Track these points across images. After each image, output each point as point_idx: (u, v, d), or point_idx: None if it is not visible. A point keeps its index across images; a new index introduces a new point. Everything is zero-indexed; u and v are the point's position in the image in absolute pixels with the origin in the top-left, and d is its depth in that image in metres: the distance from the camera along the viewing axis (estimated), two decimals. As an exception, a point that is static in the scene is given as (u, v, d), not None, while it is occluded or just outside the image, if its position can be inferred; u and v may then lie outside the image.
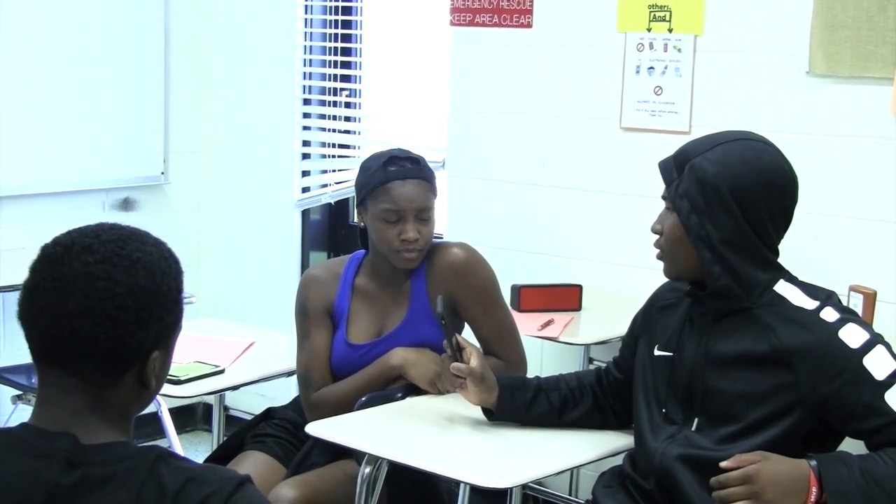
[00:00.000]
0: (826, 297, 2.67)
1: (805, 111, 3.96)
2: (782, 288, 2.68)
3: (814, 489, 2.49)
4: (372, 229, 3.31)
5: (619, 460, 2.98)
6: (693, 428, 2.70)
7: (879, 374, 2.55)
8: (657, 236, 2.79)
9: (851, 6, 3.82)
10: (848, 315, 2.64)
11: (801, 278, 2.75)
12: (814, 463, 2.52)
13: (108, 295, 1.66)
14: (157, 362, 1.73)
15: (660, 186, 4.16)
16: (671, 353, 2.78)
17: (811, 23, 3.90)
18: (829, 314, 2.61)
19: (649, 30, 4.28)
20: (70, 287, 1.66)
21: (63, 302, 1.66)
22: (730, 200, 2.62)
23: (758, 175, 2.63)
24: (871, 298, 3.54)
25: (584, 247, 4.49)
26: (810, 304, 2.64)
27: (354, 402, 3.26)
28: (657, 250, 2.80)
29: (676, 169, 2.70)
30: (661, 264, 2.82)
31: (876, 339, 2.59)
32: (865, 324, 2.66)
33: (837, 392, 2.56)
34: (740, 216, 2.62)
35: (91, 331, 1.66)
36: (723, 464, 2.56)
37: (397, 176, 3.26)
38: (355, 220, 3.37)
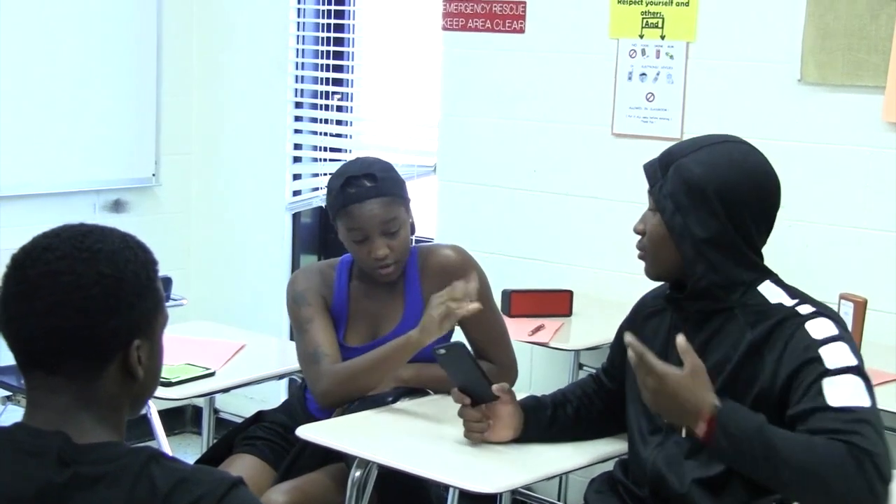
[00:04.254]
0: (808, 298, 2.67)
1: (797, 119, 3.97)
2: (766, 288, 2.68)
3: (703, 425, 2.48)
4: (347, 248, 3.34)
5: (608, 466, 2.99)
6: (683, 434, 2.70)
7: (831, 362, 2.49)
8: (639, 237, 2.78)
9: (843, 14, 3.84)
10: (825, 311, 2.62)
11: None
12: (718, 405, 2.48)
13: (73, 287, 1.67)
14: (141, 352, 1.74)
15: (651, 193, 4.17)
16: None
17: (803, 31, 3.92)
18: (805, 308, 2.60)
19: (642, 36, 4.29)
20: (35, 287, 1.68)
21: (31, 303, 1.68)
22: (714, 201, 2.62)
23: (744, 177, 2.64)
24: (861, 307, 3.54)
25: (574, 252, 4.49)
26: (789, 301, 2.64)
27: (375, 373, 3.21)
28: (639, 251, 2.79)
29: (661, 170, 2.71)
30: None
31: (843, 338, 2.55)
32: (841, 324, 2.61)
33: (791, 377, 2.52)
34: (724, 217, 2.62)
35: (63, 326, 1.67)
36: (679, 339, 2.55)
37: (355, 198, 3.24)
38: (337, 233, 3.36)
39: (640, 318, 2.90)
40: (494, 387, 2.94)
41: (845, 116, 3.90)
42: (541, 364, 4.47)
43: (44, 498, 1.64)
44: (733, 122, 4.07)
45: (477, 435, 2.93)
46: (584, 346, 4.03)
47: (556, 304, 4.19)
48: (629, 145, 4.34)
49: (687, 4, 4.18)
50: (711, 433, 2.49)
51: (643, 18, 4.27)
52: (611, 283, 4.38)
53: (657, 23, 4.25)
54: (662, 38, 4.24)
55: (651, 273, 2.78)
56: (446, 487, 3.32)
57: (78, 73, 5.11)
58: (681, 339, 2.56)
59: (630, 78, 4.33)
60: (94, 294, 1.68)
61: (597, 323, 4.12)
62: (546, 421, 2.99)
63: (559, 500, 4.51)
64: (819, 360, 2.50)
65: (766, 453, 2.43)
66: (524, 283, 4.37)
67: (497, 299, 4.07)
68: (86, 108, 5.15)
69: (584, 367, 4.35)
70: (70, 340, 1.68)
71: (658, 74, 4.27)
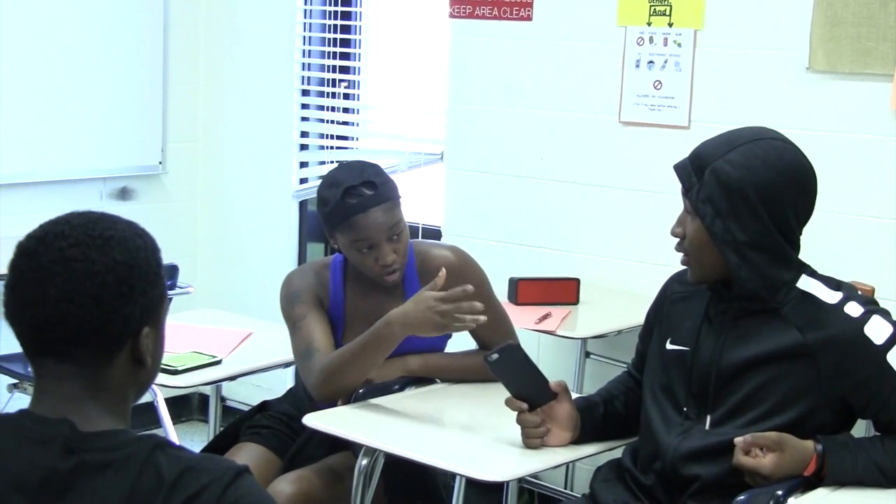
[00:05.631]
0: (847, 288, 2.71)
1: (805, 107, 3.96)
2: (805, 283, 2.70)
3: (810, 470, 2.61)
4: (348, 257, 3.28)
5: (614, 454, 2.98)
6: (707, 426, 2.72)
7: None
8: (678, 240, 2.76)
9: (852, 2, 3.82)
10: (871, 307, 2.68)
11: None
12: (820, 447, 2.61)
13: (88, 275, 1.67)
14: (148, 339, 1.74)
15: (658, 181, 4.18)
16: (686, 349, 2.78)
17: (811, 19, 3.90)
18: (854, 308, 2.65)
19: (649, 24, 4.28)
20: (49, 274, 1.67)
21: (44, 290, 1.67)
22: (756, 203, 2.61)
23: (782, 175, 2.63)
24: (868, 295, 3.54)
25: (582, 241, 4.48)
26: (833, 297, 2.67)
27: (360, 361, 3.14)
28: (680, 254, 2.77)
29: (695, 173, 2.67)
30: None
31: None
32: (887, 314, 2.69)
33: (860, 385, 2.63)
34: (766, 218, 2.63)
35: (76, 313, 1.67)
36: (737, 440, 2.61)
37: (359, 209, 3.17)
38: (330, 241, 3.32)
39: (668, 303, 2.90)
40: (552, 383, 2.89)
41: (853, 105, 3.88)
42: (547, 352, 4.46)
43: (49, 485, 1.64)
44: (741, 110, 4.06)
45: (537, 441, 2.86)
46: (591, 334, 4.02)
47: (563, 292, 4.18)
48: (636, 133, 4.34)
49: (695, -8, 4.17)
50: (819, 472, 2.62)
51: (651, 6, 4.26)
52: (618, 272, 4.38)
53: (665, 10, 4.23)
54: (670, 25, 4.23)
55: (696, 277, 2.77)
56: (453, 476, 3.32)
57: (85, 61, 5.11)
58: (739, 440, 2.62)
59: (637, 66, 4.32)
60: (107, 281, 1.68)
61: (604, 311, 4.12)
62: (600, 418, 2.96)
63: (566, 489, 4.51)
64: (891, 369, 2.62)
65: (874, 477, 2.63)
66: (531, 271, 4.37)
67: (504, 287, 4.08)
68: (92, 96, 5.15)
69: (591, 356, 4.35)
70: (82, 328, 1.67)
71: (666, 62, 4.25)
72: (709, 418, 2.72)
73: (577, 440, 2.92)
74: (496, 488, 3.10)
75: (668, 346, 2.82)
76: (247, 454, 3.32)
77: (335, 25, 5.30)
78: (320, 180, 3.36)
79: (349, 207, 3.17)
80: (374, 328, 3.14)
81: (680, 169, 2.73)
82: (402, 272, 3.27)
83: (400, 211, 3.25)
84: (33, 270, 1.69)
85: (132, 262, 1.71)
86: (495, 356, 2.84)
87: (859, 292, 2.75)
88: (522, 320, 3.81)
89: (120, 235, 1.72)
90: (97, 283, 1.67)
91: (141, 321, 1.72)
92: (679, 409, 2.77)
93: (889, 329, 2.63)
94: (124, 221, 1.77)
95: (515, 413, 2.87)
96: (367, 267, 3.23)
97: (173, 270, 4.44)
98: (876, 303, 2.76)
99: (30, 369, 1.76)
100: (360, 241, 3.19)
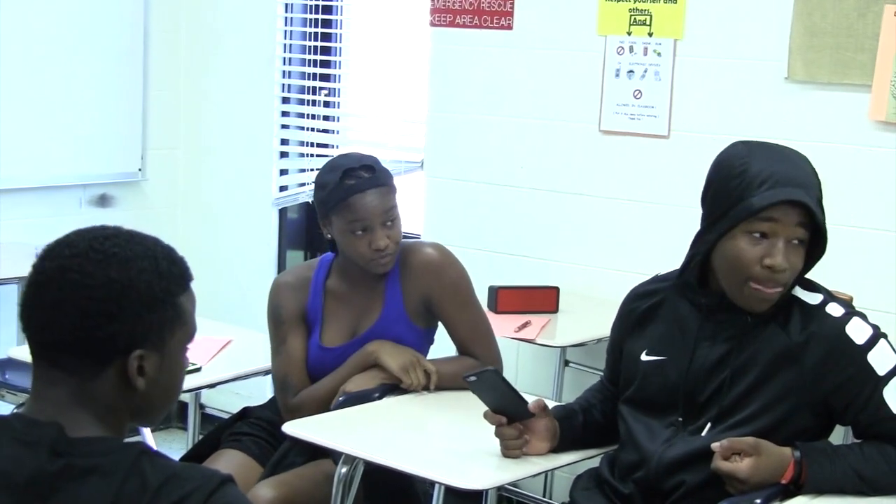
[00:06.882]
0: (825, 291, 2.72)
1: (784, 117, 3.98)
2: None
3: (787, 477, 2.60)
4: (341, 242, 3.32)
5: (593, 463, 2.98)
6: (691, 433, 2.72)
7: (881, 368, 2.62)
8: (781, 272, 2.62)
9: (831, 13, 3.84)
10: (851, 309, 2.69)
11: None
12: (797, 454, 2.61)
13: (79, 287, 1.69)
14: (146, 363, 1.73)
15: (638, 189, 4.19)
16: (665, 358, 2.78)
17: (791, 29, 3.92)
18: (835, 309, 2.66)
19: (629, 33, 4.29)
20: (47, 280, 1.71)
21: (41, 294, 1.71)
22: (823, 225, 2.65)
23: None
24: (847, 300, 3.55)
25: (561, 249, 4.49)
26: (815, 298, 2.69)
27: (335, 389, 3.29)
28: (781, 288, 2.65)
29: (818, 206, 2.63)
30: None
31: (878, 334, 2.66)
32: (865, 317, 2.70)
33: (841, 386, 2.63)
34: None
35: (63, 322, 1.69)
36: (714, 445, 2.61)
37: (356, 189, 3.24)
38: (322, 231, 3.36)
39: (632, 322, 2.88)
40: (531, 403, 2.88)
41: (832, 115, 3.90)
42: (527, 360, 4.47)
43: (35, 486, 1.66)
44: (720, 119, 4.08)
45: (516, 452, 2.87)
46: (571, 342, 4.02)
47: (543, 300, 4.19)
48: (616, 142, 4.35)
49: (675, 2, 4.18)
50: (798, 479, 2.61)
51: (631, 15, 4.28)
52: (598, 280, 4.38)
53: (645, 20, 4.25)
54: (650, 35, 4.24)
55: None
56: (432, 484, 3.32)
57: (64, 67, 5.09)
58: (716, 446, 2.62)
59: (618, 75, 4.33)
60: (97, 297, 1.69)
61: (583, 320, 4.12)
62: (579, 427, 2.96)
63: (544, 496, 4.51)
64: (871, 369, 2.62)
65: (854, 484, 2.62)
66: (511, 279, 4.37)
67: (484, 295, 4.08)
68: (72, 102, 5.13)
69: (571, 364, 4.35)
70: (67, 337, 1.69)
71: (646, 71, 4.27)
72: (694, 425, 2.72)
73: (557, 449, 2.92)
74: (475, 496, 3.10)
75: (645, 358, 2.82)
76: (228, 461, 3.32)
77: (315, 33, 5.30)
78: (301, 187, 3.39)
79: (347, 188, 3.24)
80: (354, 360, 3.31)
81: (804, 204, 2.62)
82: (392, 260, 3.31)
83: (395, 198, 3.32)
84: (38, 274, 1.73)
85: (128, 282, 1.71)
86: (473, 378, 2.84)
87: (841, 298, 2.76)
88: (502, 328, 3.81)
89: (125, 254, 1.73)
90: (86, 296, 1.69)
91: (132, 343, 1.72)
92: (662, 418, 2.77)
93: (869, 330, 2.64)
94: (146, 244, 1.78)
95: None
96: (360, 253, 3.27)
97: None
98: (854, 307, 2.78)
99: (7, 377, 1.78)
100: (356, 222, 3.24)
